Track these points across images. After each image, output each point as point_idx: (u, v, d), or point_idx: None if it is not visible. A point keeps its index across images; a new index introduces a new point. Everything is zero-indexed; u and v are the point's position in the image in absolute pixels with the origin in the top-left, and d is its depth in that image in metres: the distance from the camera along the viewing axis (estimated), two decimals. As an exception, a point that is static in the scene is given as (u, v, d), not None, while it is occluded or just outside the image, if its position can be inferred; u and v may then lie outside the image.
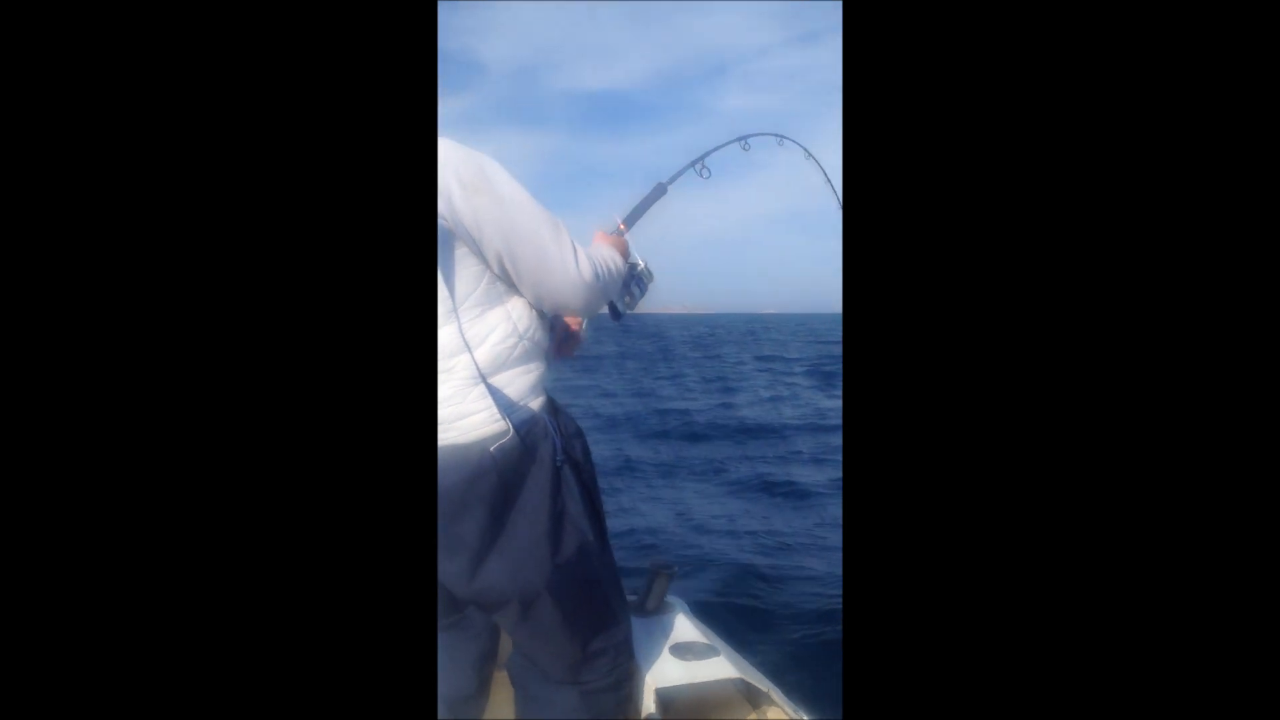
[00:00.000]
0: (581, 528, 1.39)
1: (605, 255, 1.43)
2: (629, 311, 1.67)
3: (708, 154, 1.80)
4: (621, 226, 1.70)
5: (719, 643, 1.93)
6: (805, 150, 1.88)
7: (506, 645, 1.64)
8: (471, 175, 1.24)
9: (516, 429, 1.30)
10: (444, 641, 1.59)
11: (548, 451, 1.35)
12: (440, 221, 1.22)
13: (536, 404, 1.37)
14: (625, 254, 1.58)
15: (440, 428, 1.26)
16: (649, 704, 1.79)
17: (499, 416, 1.28)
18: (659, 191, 1.78)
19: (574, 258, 1.31)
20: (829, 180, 1.88)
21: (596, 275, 1.34)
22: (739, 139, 1.84)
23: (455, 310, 1.27)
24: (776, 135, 1.86)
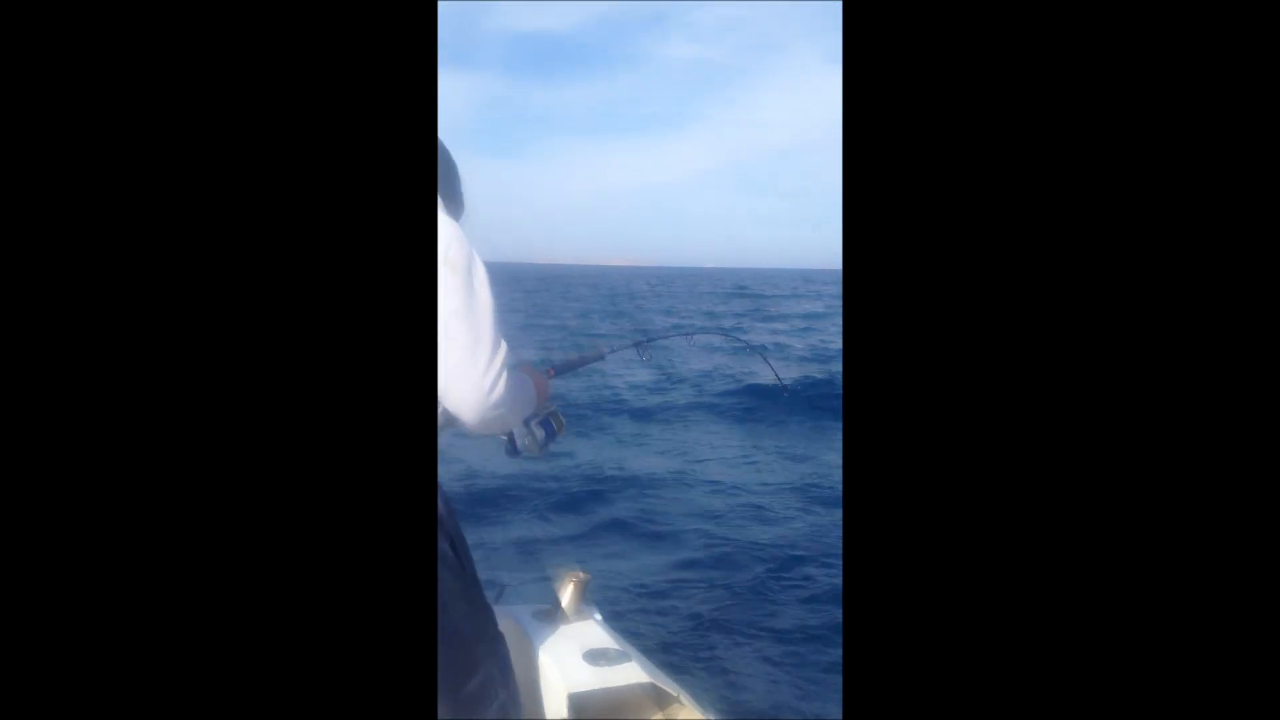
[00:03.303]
0: (442, 577, 1.43)
1: (523, 387, 1.47)
2: (526, 454, 1.67)
3: (652, 339, 1.95)
4: (550, 372, 1.78)
5: (630, 649, 1.98)
6: (747, 344, 2.12)
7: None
8: (458, 257, 1.32)
9: None
10: None
11: None
12: None
13: None
14: (545, 395, 1.63)
15: None
16: (561, 708, 1.83)
17: None
18: (597, 355, 1.87)
19: (494, 378, 1.35)
20: (771, 366, 2.27)
21: (501, 402, 1.38)
22: (684, 334, 2.16)
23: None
24: (720, 331, 2.13)
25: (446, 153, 1.57)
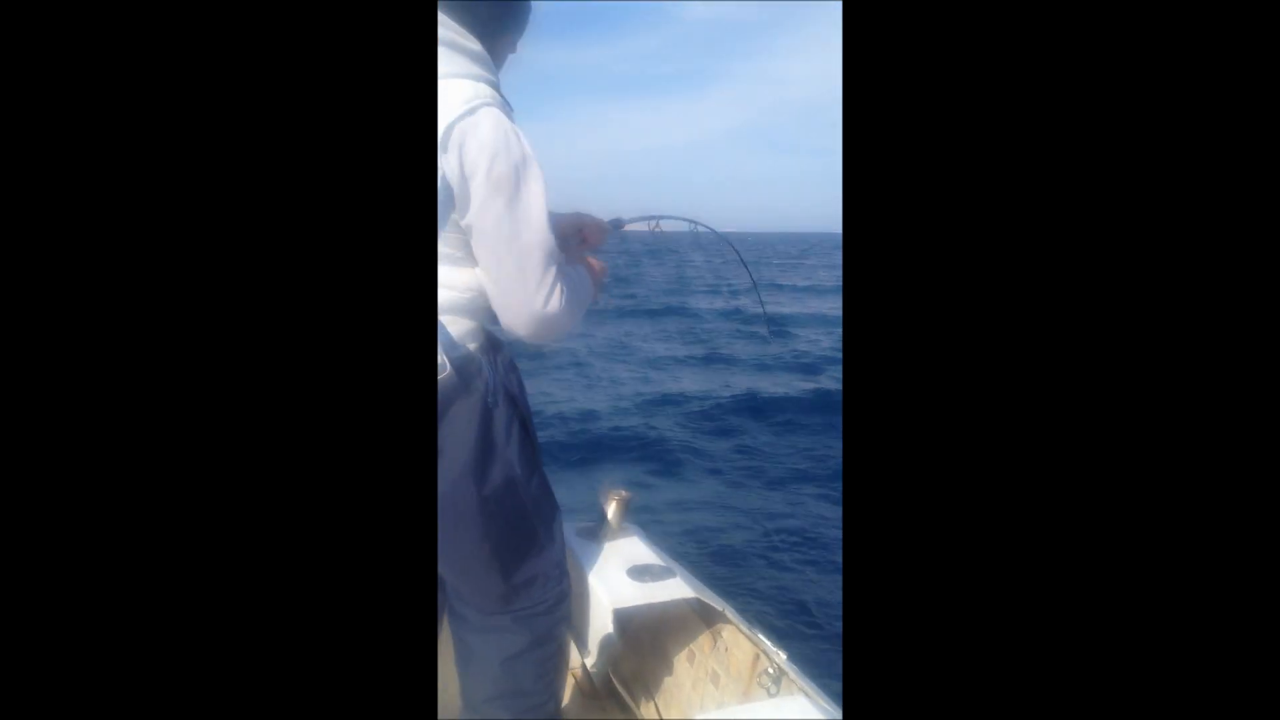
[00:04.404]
0: (509, 460, 1.42)
1: (577, 291, 1.40)
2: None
3: (622, 223, 1.87)
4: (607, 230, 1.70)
5: (675, 565, 1.96)
6: (713, 231, 2.01)
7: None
8: (502, 174, 1.24)
9: (453, 364, 1.34)
10: None
11: (479, 388, 1.39)
12: (449, 189, 1.24)
13: (475, 346, 1.40)
14: (600, 281, 1.60)
15: None
16: (607, 623, 1.82)
17: (440, 351, 1.32)
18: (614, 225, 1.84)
19: (546, 296, 1.30)
20: (749, 272, 2.12)
21: (557, 319, 1.34)
22: (649, 218, 1.94)
23: (478, 256, 1.30)
24: (690, 221, 1.99)
25: None
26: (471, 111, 1.23)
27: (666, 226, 1.93)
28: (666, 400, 9.19)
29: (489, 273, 1.31)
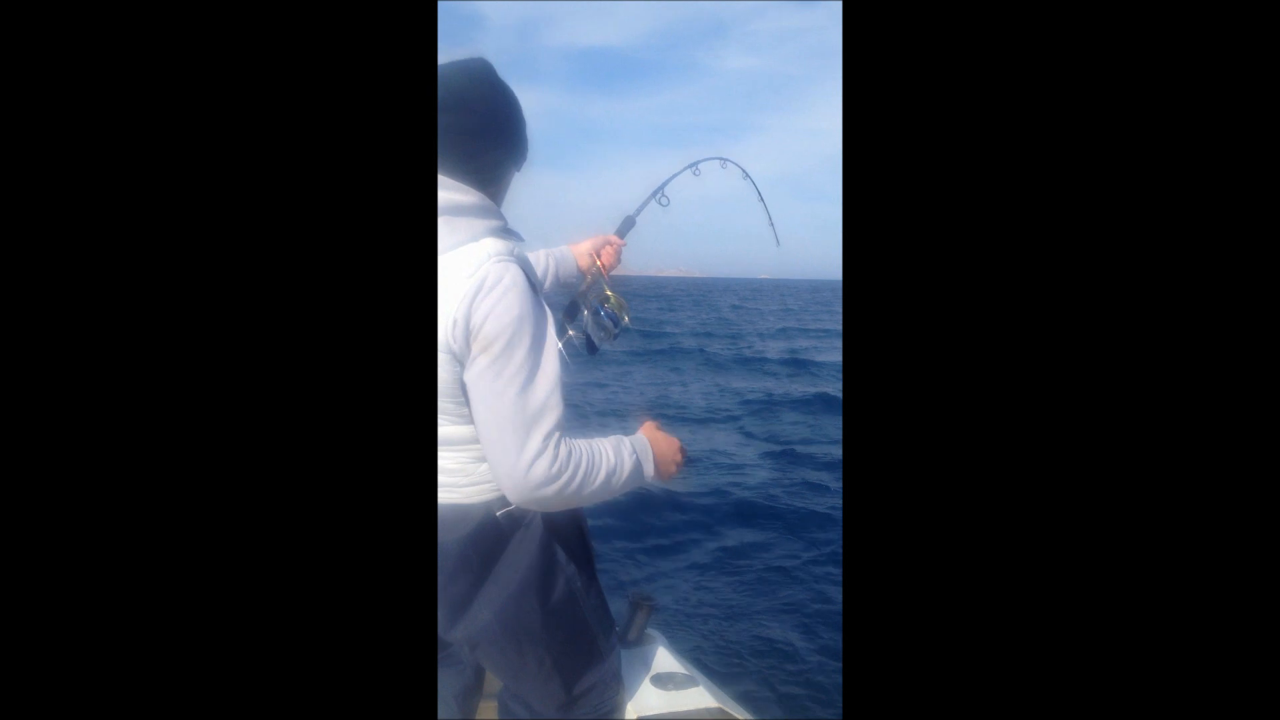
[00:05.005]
0: (569, 574, 1.45)
1: (598, 464, 1.27)
2: (603, 346, 1.71)
3: (665, 183, 1.89)
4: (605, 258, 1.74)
5: (698, 674, 1.98)
6: (743, 170, 2.00)
7: (492, 680, 1.68)
8: (491, 333, 1.18)
9: None
10: None
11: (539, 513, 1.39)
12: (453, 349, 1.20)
13: None
14: (613, 257, 1.65)
15: (445, 490, 1.33)
16: None
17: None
18: (628, 225, 1.87)
19: (531, 460, 1.19)
20: (761, 199, 2.03)
21: (544, 487, 1.21)
22: (690, 165, 1.93)
23: (471, 418, 1.25)
24: (720, 159, 1.96)
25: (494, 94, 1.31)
26: (475, 281, 1.19)
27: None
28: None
29: (480, 432, 1.23)
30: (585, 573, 1.50)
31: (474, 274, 1.20)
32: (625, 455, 1.32)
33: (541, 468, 1.19)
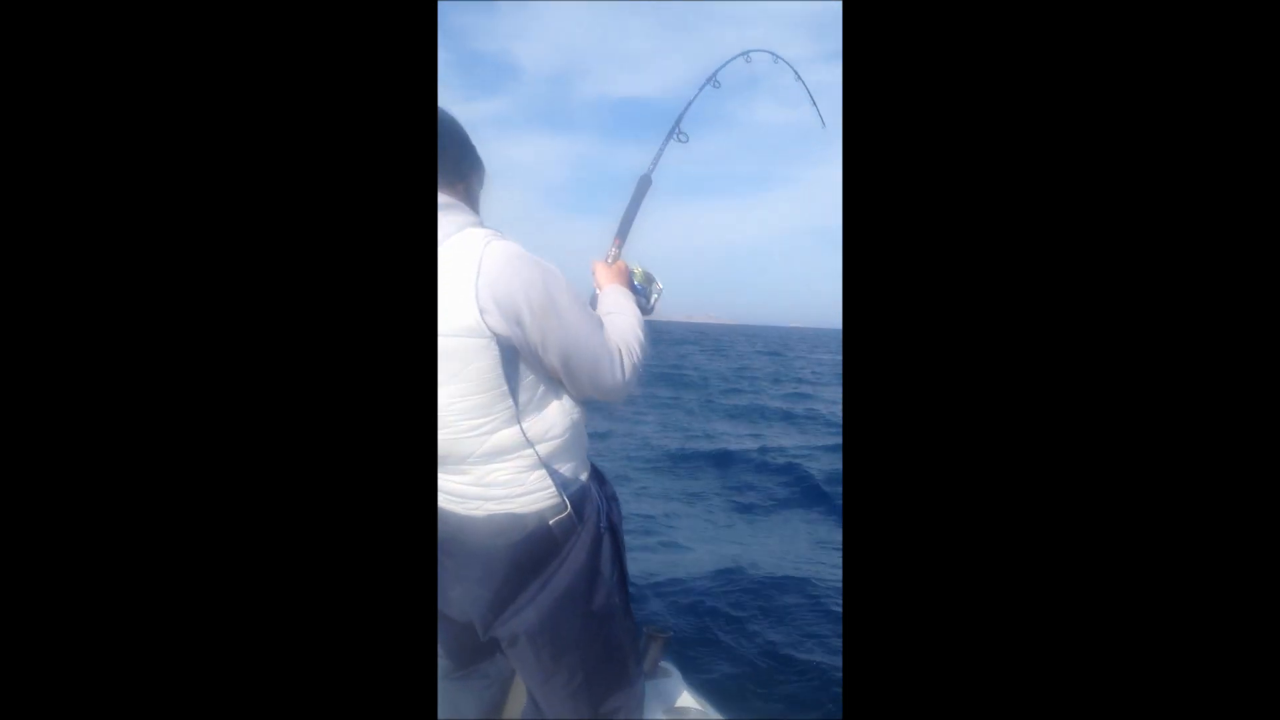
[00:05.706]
0: (611, 590, 1.52)
1: (631, 337, 1.48)
2: (647, 317, 1.73)
3: (691, 104, 1.89)
4: (614, 248, 1.77)
5: (711, 710, 2.01)
6: (795, 72, 2.03)
7: (515, 699, 1.72)
8: (539, 299, 1.32)
9: (571, 502, 1.44)
10: (453, 691, 1.68)
11: (593, 517, 1.49)
12: (509, 340, 1.33)
13: (585, 475, 1.51)
14: (625, 281, 1.68)
15: (498, 502, 1.41)
16: None
17: (557, 494, 1.43)
18: (644, 185, 1.81)
19: (618, 365, 1.41)
20: (814, 101, 2.05)
21: (634, 368, 1.45)
22: (741, 54, 1.95)
23: (519, 416, 1.38)
24: (770, 53, 1.99)
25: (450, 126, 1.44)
26: (492, 264, 1.29)
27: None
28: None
29: (568, 377, 1.39)
30: (622, 592, 1.56)
31: (479, 259, 1.29)
32: (627, 308, 1.56)
33: (630, 374, 1.43)
